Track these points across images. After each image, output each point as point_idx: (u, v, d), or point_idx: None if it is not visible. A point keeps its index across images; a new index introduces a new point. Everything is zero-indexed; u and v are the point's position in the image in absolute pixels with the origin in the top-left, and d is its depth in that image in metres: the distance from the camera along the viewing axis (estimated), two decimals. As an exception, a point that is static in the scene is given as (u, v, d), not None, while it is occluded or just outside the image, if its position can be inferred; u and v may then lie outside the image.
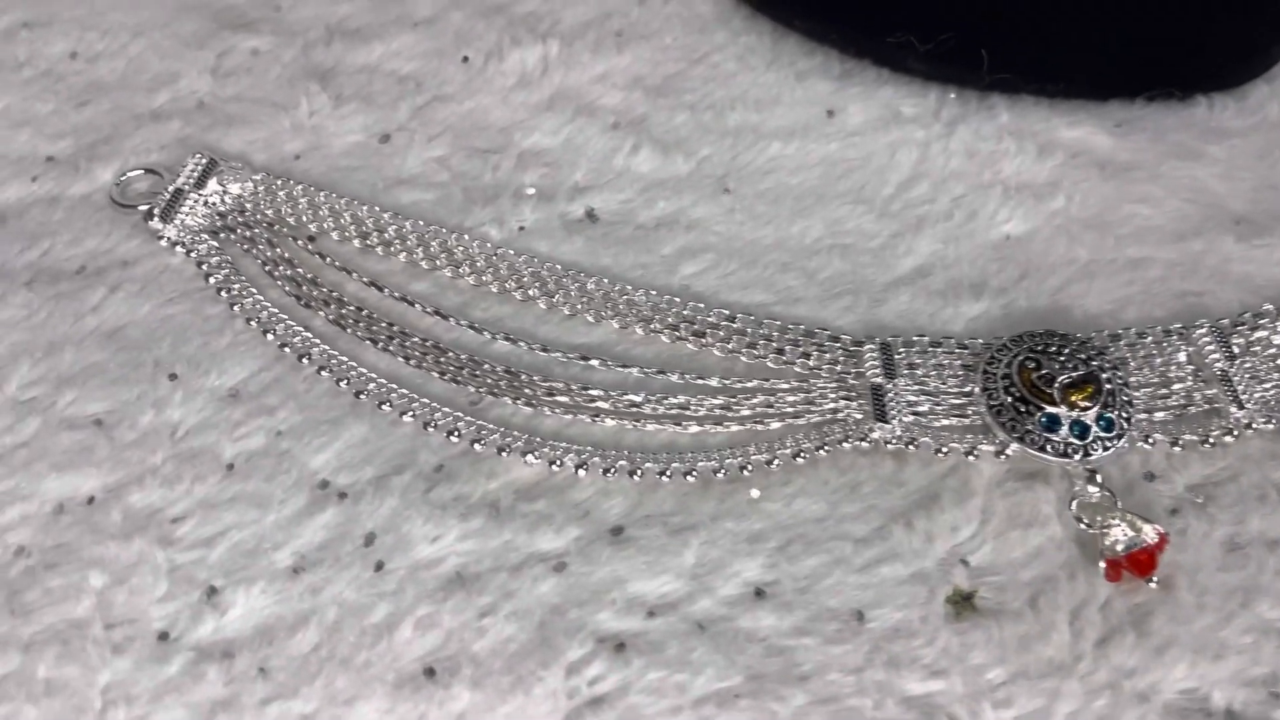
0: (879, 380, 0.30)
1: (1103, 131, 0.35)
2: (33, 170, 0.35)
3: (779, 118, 0.36)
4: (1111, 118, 0.35)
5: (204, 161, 0.35)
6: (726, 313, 0.32)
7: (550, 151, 0.35)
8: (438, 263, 0.33)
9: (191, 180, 0.34)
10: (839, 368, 0.30)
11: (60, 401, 0.30)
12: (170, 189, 0.34)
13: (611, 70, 0.37)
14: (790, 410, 0.30)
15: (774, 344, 0.31)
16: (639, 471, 0.29)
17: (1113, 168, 0.34)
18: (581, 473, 0.29)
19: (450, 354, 0.31)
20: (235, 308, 0.32)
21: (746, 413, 0.30)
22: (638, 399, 0.30)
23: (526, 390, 0.30)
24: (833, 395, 0.30)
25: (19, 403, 0.30)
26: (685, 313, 0.32)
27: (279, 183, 0.34)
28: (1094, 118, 0.35)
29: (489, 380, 0.31)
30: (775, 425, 0.30)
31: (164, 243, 0.33)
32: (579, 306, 0.32)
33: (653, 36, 0.38)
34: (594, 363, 0.31)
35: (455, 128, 0.36)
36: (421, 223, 0.34)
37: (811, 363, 0.31)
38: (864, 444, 0.29)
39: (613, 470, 0.29)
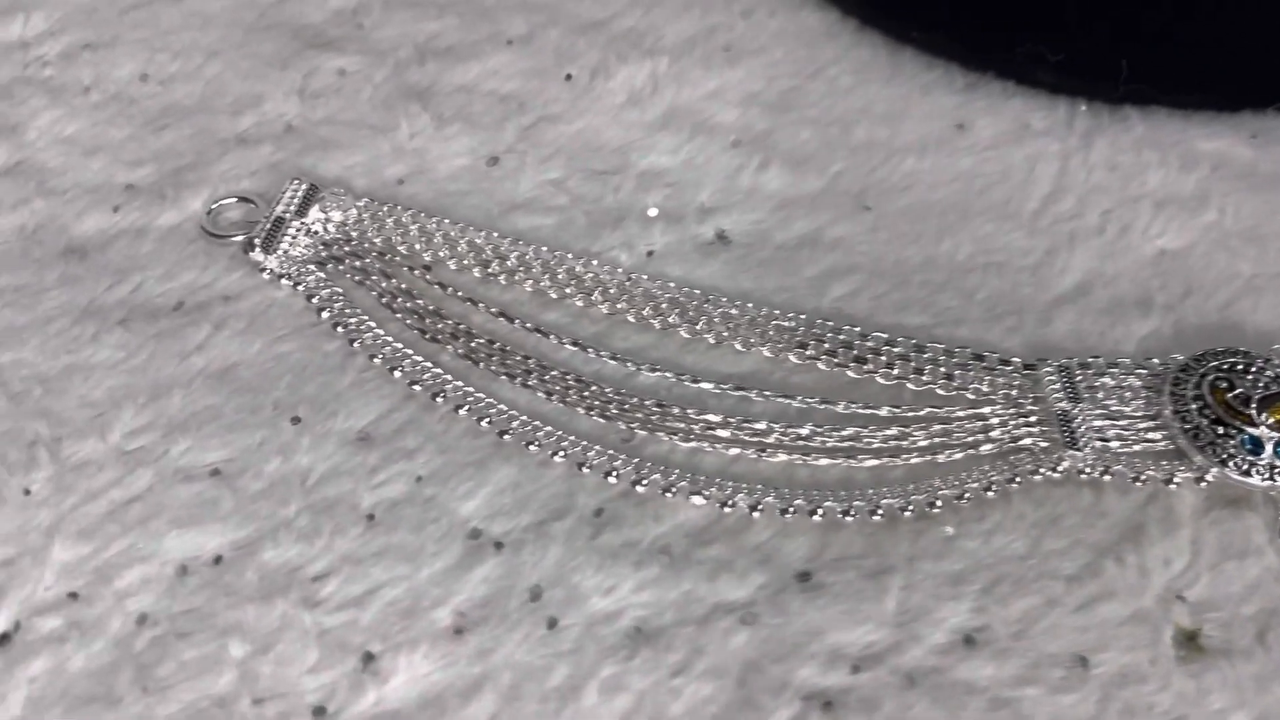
0: (1065, 405, 0.28)
1: (1241, 143, 0.34)
2: (113, 199, 0.32)
3: (908, 132, 0.34)
4: (1246, 129, 0.34)
5: (303, 187, 0.32)
6: (885, 336, 0.29)
7: (671, 171, 0.33)
8: (567, 291, 0.31)
9: (292, 208, 0.31)
10: (1014, 393, 0.29)
11: (173, 450, 0.27)
12: (270, 217, 0.31)
13: (724, 86, 0.35)
14: (969, 439, 0.28)
15: (942, 368, 0.29)
16: (819, 511, 0.26)
17: (1258, 179, 0.33)
18: (756, 513, 0.27)
19: (594, 387, 0.29)
20: (355, 344, 0.29)
21: (924, 443, 0.28)
22: (804, 431, 0.28)
23: (681, 424, 0.28)
24: (1012, 423, 0.28)
25: (125, 453, 0.27)
26: (841, 337, 0.30)
27: (385, 209, 0.32)
28: (1230, 129, 0.34)
29: (639, 415, 0.28)
30: (957, 456, 0.27)
31: (266, 275, 0.31)
32: (725, 334, 0.30)
33: (761, 51, 0.36)
34: (750, 393, 0.29)
35: (566, 149, 0.34)
36: (545, 249, 0.31)
37: (985, 388, 0.29)
38: (1055, 474, 0.27)
39: (791, 510, 0.27)
